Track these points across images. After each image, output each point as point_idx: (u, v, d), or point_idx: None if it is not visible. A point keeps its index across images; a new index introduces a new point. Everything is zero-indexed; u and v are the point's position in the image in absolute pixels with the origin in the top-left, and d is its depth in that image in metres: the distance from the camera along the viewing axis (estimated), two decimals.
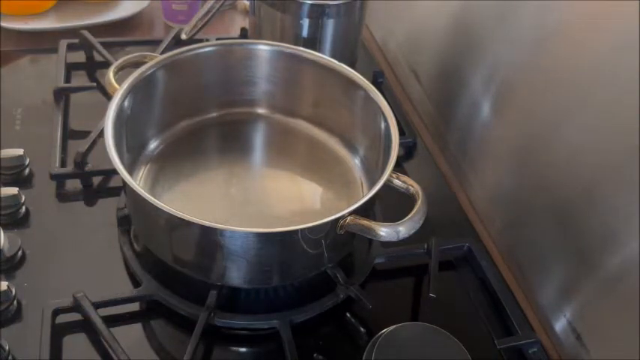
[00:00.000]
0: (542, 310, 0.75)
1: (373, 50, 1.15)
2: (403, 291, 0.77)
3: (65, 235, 0.76)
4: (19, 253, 0.72)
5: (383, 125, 0.74)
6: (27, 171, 0.81)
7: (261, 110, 0.87)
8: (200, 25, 0.97)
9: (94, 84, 0.95)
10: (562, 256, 0.72)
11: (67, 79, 0.97)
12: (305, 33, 0.91)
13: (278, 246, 0.65)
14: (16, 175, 0.80)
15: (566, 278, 0.72)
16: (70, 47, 1.01)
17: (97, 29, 1.05)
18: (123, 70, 0.76)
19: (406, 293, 0.76)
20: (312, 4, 0.91)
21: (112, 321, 0.67)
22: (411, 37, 1.08)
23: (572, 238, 0.70)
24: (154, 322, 0.70)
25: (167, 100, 0.80)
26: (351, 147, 0.83)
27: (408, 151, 0.94)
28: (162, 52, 0.88)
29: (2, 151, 0.80)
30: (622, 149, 0.62)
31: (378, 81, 1.03)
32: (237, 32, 1.13)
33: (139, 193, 0.62)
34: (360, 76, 0.79)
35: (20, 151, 0.81)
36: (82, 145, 0.81)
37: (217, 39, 1.02)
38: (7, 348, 0.63)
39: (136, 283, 0.71)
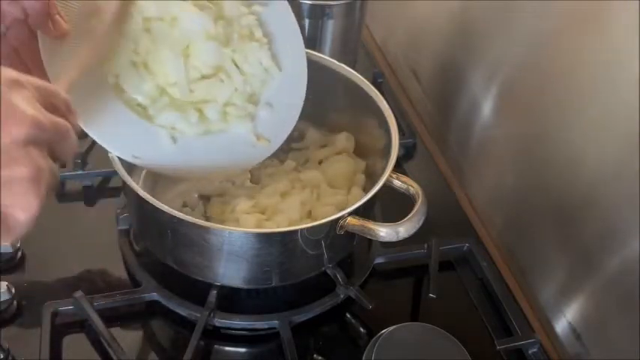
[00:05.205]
0: (542, 310, 0.75)
1: (373, 50, 1.15)
2: (403, 291, 0.77)
3: (65, 235, 0.76)
4: (19, 253, 0.72)
5: (383, 126, 0.74)
6: None
7: None
8: None
9: None
10: (562, 256, 0.72)
11: None
12: (305, 33, 0.91)
13: (278, 246, 0.65)
14: None
15: (566, 278, 0.72)
16: None
17: None
18: None
19: (406, 293, 0.76)
20: (312, 5, 0.91)
21: (112, 321, 0.67)
22: (411, 37, 1.08)
23: (572, 238, 0.70)
24: (154, 322, 0.70)
25: None
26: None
27: (408, 152, 0.94)
28: None
29: None
30: (622, 149, 0.62)
31: (377, 81, 1.02)
32: None
33: (139, 193, 0.62)
34: (360, 77, 0.79)
35: None
36: (82, 146, 0.81)
37: None
38: (7, 348, 0.63)
39: (135, 283, 0.71)
